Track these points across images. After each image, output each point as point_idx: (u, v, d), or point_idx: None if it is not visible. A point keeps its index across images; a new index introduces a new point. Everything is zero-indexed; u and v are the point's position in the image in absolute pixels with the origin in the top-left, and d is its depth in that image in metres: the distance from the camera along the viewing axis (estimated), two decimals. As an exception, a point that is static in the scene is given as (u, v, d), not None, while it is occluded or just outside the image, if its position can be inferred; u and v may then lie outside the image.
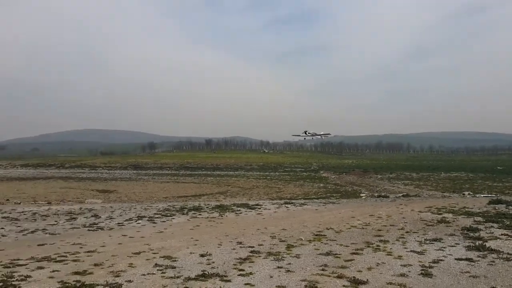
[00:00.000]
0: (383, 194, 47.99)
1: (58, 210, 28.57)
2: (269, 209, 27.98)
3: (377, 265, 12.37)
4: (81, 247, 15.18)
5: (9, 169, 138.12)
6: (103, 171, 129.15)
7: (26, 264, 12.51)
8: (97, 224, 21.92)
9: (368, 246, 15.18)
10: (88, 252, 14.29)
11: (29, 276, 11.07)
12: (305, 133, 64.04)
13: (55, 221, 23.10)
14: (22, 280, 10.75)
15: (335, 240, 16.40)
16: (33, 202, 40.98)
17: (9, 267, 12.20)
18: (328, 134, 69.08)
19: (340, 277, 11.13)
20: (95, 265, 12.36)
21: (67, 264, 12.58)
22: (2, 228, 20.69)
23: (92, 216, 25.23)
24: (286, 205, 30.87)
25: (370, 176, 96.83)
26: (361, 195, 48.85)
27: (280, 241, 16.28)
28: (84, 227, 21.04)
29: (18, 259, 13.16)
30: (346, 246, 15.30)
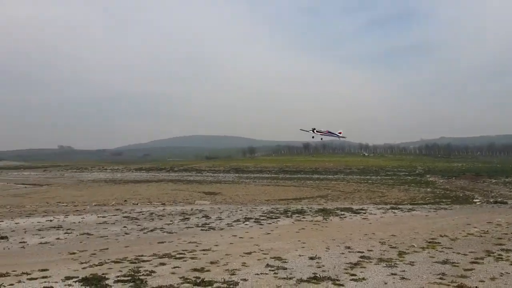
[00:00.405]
0: (499, 200, 44.07)
1: (172, 211, 30.62)
2: (375, 214, 27.22)
3: (501, 276, 11.51)
4: (196, 246, 16.13)
5: (125, 173, 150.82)
6: (208, 174, 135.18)
7: (149, 260, 13.58)
8: (209, 224, 23.11)
9: (489, 255, 14.17)
10: (204, 250, 15.13)
11: (154, 272, 12.00)
12: (313, 131, 58.62)
13: (171, 221, 24.79)
14: (147, 275, 11.68)
15: (451, 248, 15.53)
16: (148, 203, 44.31)
17: (135, 262, 13.33)
18: (344, 137, 62.76)
19: (460, 286, 10.56)
20: (211, 263, 13.05)
21: (186, 261, 13.44)
22: (125, 227, 22.70)
23: (203, 216, 26.65)
24: (393, 210, 29.79)
25: (483, 180, 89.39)
26: (475, 200, 45.34)
27: (390, 247, 15.80)
28: (197, 226, 22.31)
29: (142, 255, 14.34)
30: (464, 254, 14.42)
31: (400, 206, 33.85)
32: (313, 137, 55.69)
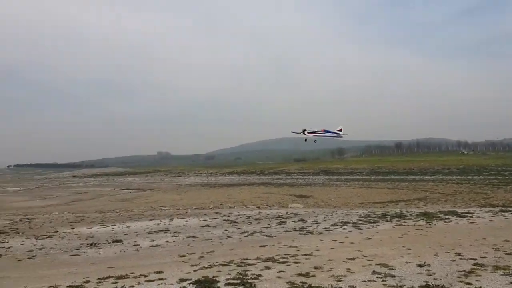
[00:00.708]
0: None
1: (268, 214, 31.16)
2: (483, 218, 25.40)
3: None
4: (297, 250, 16.29)
5: (219, 176, 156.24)
6: (297, 177, 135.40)
7: (254, 264, 13.98)
8: (306, 228, 23.18)
9: None
10: (306, 255, 15.23)
11: (260, 275, 12.33)
12: (303, 132, 49.39)
13: (268, 224, 25.27)
14: (255, 278, 12.03)
15: None
16: (243, 206, 45.54)
17: (241, 265, 13.81)
18: (343, 135, 52.39)
19: None
20: (315, 268, 13.11)
21: (289, 265, 13.63)
22: (226, 230, 23.58)
23: (299, 220, 26.79)
24: (502, 213, 27.56)
25: None
26: None
27: (505, 253, 14.73)
28: (295, 230, 22.49)
29: (247, 259, 14.81)
30: None
31: (510, 209, 31.21)
32: (306, 140, 50.89)
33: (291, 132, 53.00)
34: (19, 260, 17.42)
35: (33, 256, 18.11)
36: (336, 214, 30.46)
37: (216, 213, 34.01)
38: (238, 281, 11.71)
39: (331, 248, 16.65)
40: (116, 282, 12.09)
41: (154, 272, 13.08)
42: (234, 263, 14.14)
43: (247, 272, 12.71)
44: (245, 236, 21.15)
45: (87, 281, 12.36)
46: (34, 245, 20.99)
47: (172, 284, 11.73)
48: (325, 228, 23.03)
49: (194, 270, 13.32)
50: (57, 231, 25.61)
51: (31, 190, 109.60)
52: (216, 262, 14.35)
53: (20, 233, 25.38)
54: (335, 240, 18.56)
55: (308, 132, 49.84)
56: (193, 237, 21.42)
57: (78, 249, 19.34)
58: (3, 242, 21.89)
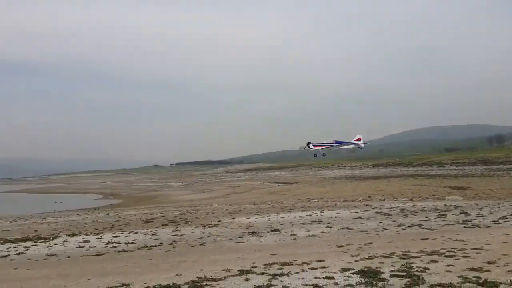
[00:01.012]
0: None
1: (424, 207, 29.69)
2: None
3: None
4: (465, 244, 15.25)
5: (363, 169, 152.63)
6: (451, 168, 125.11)
7: (418, 257, 13.45)
8: (470, 221, 21.58)
9: None
10: (475, 249, 14.18)
11: (427, 269, 11.81)
12: (308, 146, 44.88)
13: (426, 217, 24.10)
14: (421, 271, 11.54)
15: None
16: (394, 199, 43.99)
17: (404, 258, 13.39)
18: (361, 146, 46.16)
19: None
20: (488, 262, 12.14)
21: (458, 259, 12.84)
22: (381, 222, 23.12)
23: (460, 213, 25.05)
24: None
25: None
26: None
27: None
28: (458, 223, 21.08)
29: (409, 251, 14.32)
30: None
31: None
32: (315, 155, 47.53)
33: (300, 149, 50.85)
34: (192, 246, 19.47)
35: (204, 243, 20.07)
36: (503, 206, 27.74)
37: (367, 205, 33.53)
38: (404, 273, 11.40)
39: (504, 242, 15.25)
40: (281, 268, 12.74)
41: (316, 261, 13.44)
42: (396, 255, 13.81)
43: (412, 265, 12.31)
44: (402, 229, 20.50)
45: (255, 266, 13.25)
46: (203, 233, 23.26)
47: (335, 272, 11.92)
48: (493, 221, 21.16)
49: (355, 261, 13.36)
50: (220, 221, 27.96)
51: (191, 185, 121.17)
52: (377, 254, 14.17)
53: (189, 223, 28.32)
54: (507, 234, 16.97)
55: (314, 145, 47.26)
56: (347, 228, 21.49)
57: (241, 237, 20.88)
58: (176, 230, 24.64)
